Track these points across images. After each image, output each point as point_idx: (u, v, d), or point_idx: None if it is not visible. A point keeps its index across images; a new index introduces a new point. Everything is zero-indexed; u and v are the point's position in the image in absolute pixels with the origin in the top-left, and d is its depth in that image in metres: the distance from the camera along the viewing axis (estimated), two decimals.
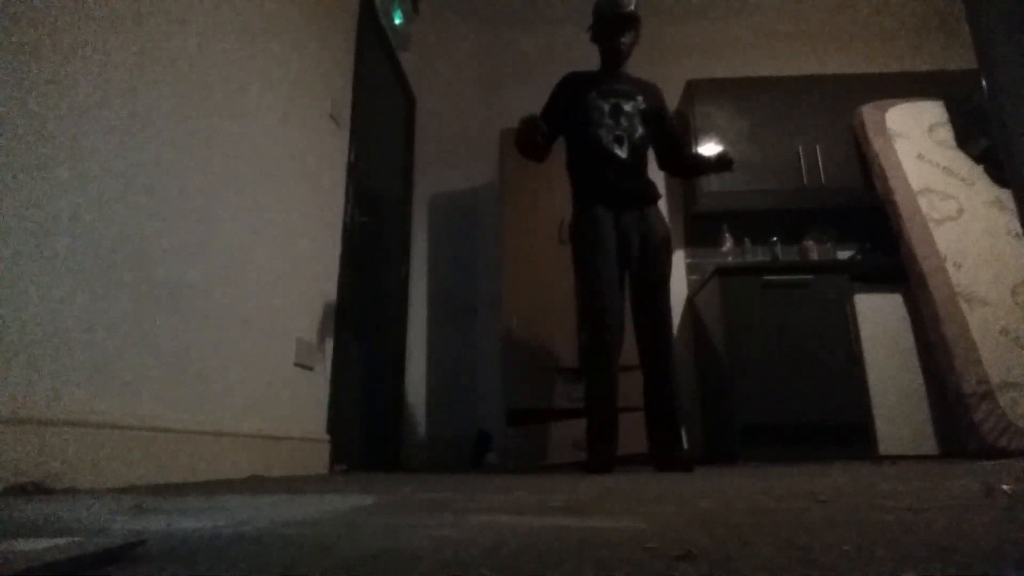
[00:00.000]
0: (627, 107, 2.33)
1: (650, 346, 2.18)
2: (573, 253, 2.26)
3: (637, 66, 4.07)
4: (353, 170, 2.72)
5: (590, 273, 2.18)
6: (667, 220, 3.80)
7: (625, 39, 2.35)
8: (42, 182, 1.10)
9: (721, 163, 2.30)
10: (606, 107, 2.32)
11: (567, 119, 2.35)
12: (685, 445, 3.35)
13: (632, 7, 2.32)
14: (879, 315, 3.10)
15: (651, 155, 2.48)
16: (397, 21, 3.43)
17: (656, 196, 2.35)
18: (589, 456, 2.08)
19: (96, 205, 1.23)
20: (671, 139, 2.45)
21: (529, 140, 2.12)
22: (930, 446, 2.92)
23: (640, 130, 2.33)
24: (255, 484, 1.41)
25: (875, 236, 3.62)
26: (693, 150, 2.44)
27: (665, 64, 4.12)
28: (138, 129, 1.37)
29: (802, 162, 3.53)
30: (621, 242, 2.24)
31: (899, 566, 0.40)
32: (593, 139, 2.29)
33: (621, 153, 2.27)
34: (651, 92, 2.44)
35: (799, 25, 4.20)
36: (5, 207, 1.03)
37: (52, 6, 1.14)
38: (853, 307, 3.05)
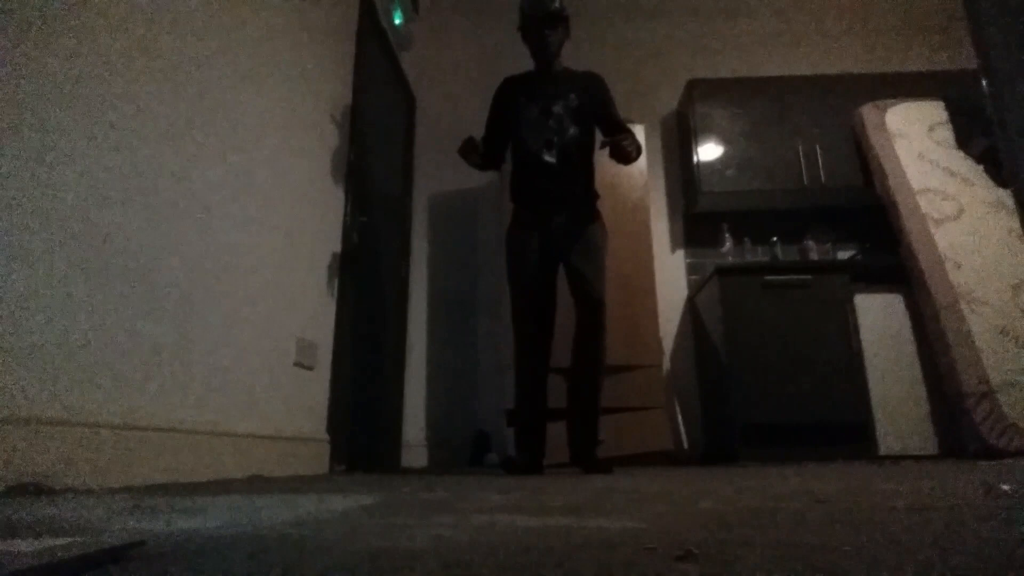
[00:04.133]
0: (557, 108, 2.27)
1: (581, 335, 2.16)
2: (506, 263, 2.28)
3: (638, 66, 4.10)
4: (353, 170, 2.72)
5: (514, 283, 2.22)
6: (666, 220, 3.85)
7: (552, 37, 2.29)
8: (43, 183, 1.10)
9: (613, 147, 2.13)
10: (535, 111, 2.28)
11: (506, 126, 2.34)
12: (686, 444, 3.37)
13: (556, 5, 2.27)
14: (879, 315, 3.10)
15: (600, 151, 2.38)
16: (397, 21, 3.42)
17: (591, 197, 2.31)
18: (516, 458, 2.13)
19: (97, 206, 1.23)
20: (612, 130, 2.29)
21: (469, 161, 2.19)
22: (930, 446, 2.92)
23: (572, 130, 2.26)
24: (255, 484, 1.41)
25: (875, 236, 3.61)
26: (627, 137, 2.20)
27: (665, 64, 4.13)
28: (139, 130, 1.37)
29: (802, 162, 3.53)
30: (550, 245, 2.22)
31: (899, 566, 0.40)
32: (522, 145, 2.27)
33: (550, 158, 2.23)
34: (588, 85, 2.34)
35: (799, 25, 4.20)
36: (6, 208, 1.03)
37: (56, 9, 1.14)
38: (853, 307, 3.05)
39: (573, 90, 2.30)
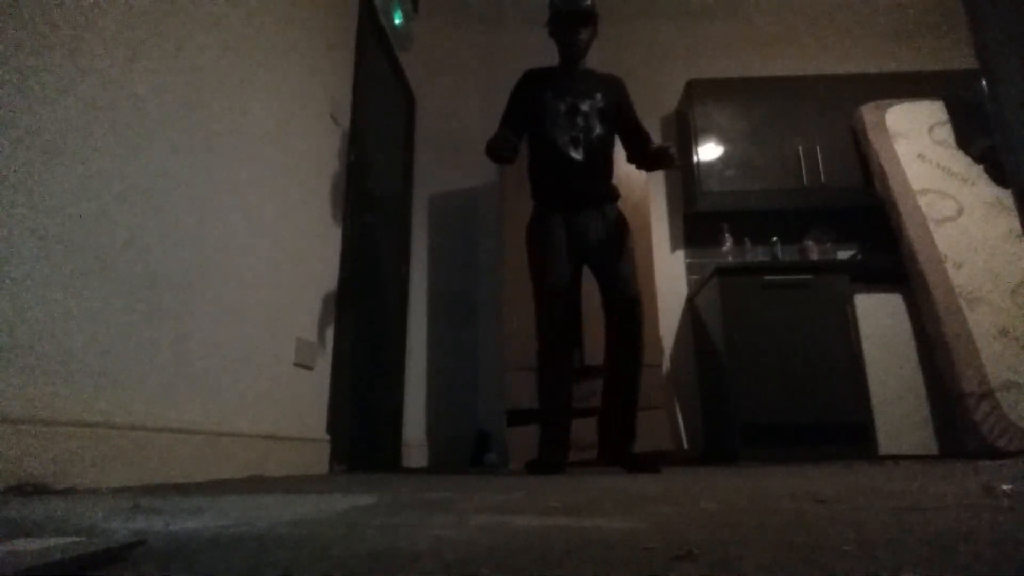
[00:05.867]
0: (584, 107, 2.28)
1: (620, 336, 2.14)
2: (528, 257, 2.26)
3: (638, 66, 4.10)
4: (353, 170, 2.72)
5: (540, 280, 2.19)
6: (666, 220, 3.85)
7: (582, 35, 2.30)
8: (43, 183, 1.10)
9: (661, 157, 2.21)
10: (562, 107, 2.27)
11: (527, 119, 2.32)
12: (686, 444, 3.37)
13: (588, 2, 2.28)
14: (879, 315, 3.10)
15: (620, 150, 2.41)
16: (397, 21, 3.43)
17: (614, 196, 2.31)
18: (538, 457, 2.11)
19: (97, 206, 1.23)
20: (633, 133, 2.37)
21: (503, 158, 2.13)
22: (930, 446, 2.92)
23: (598, 129, 2.28)
24: (255, 484, 1.41)
25: (875, 236, 3.62)
26: (653, 144, 2.31)
27: (665, 64, 4.13)
28: (139, 130, 1.37)
29: (802, 162, 3.53)
30: (576, 242, 2.21)
31: (899, 566, 0.40)
32: (549, 141, 2.26)
33: (576, 155, 2.24)
34: (612, 87, 2.36)
35: (799, 25, 4.20)
36: (6, 208, 1.03)
37: (56, 9, 1.14)
38: (853, 307, 3.05)
39: (599, 90, 2.32)
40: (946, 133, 3.37)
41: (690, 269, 3.77)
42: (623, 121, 2.36)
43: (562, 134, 2.26)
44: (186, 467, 1.44)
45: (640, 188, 3.27)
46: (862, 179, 3.48)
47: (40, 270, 1.09)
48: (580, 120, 2.27)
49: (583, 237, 2.22)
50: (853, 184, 3.50)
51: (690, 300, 3.70)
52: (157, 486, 1.25)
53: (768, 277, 3.09)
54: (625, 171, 3.06)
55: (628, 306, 2.14)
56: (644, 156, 2.32)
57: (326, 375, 2.39)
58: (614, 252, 2.20)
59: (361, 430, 2.76)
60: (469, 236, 3.85)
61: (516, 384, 2.92)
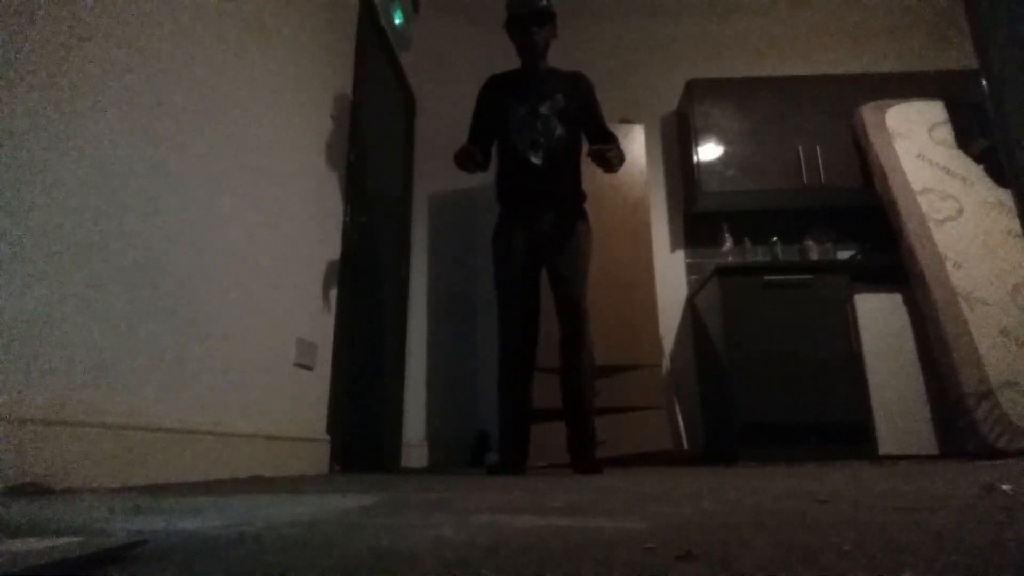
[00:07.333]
0: (543, 109, 2.26)
1: (564, 339, 2.17)
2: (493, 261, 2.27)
3: (638, 66, 4.10)
4: (353, 170, 2.72)
5: (500, 284, 2.22)
6: (666, 220, 3.85)
7: (538, 36, 2.27)
8: (44, 183, 1.10)
9: (600, 160, 2.11)
10: (522, 111, 2.26)
11: (492, 125, 2.32)
12: (686, 444, 3.37)
13: (543, 2, 2.25)
14: (879, 315, 3.10)
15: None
16: (397, 21, 3.42)
17: (577, 198, 2.30)
18: (499, 459, 2.14)
19: (97, 206, 1.23)
20: (596, 133, 2.31)
21: (467, 168, 2.14)
22: (930, 446, 2.92)
23: (559, 131, 2.25)
24: (255, 484, 1.41)
25: (875, 236, 3.62)
26: (614, 144, 2.19)
27: (665, 64, 4.13)
28: (139, 130, 1.37)
29: (802, 162, 3.53)
30: (535, 245, 2.22)
31: (899, 566, 0.40)
32: (509, 146, 2.26)
33: (536, 160, 2.22)
34: (574, 85, 2.32)
35: (799, 25, 4.20)
36: (6, 207, 1.03)
37: (55, 7, 1.14)
38: (853, 307, 3.05)
39: (560, 90, 2.29)
40: (946, 133, 3.37)
41: (690, 269, 3.77)
42: (586, 121, 2.32)
43: (522, 138, 2.25)
44: (186, 467, 1.44)
45: (640, 188, 3.27)
46: (862, 179, 3.48)
47: (41, 270, 1.09)
48: (539, 123, 2.25)
49: (541, 241, 2.22)
50: (853, 184, 3.51)
51: (690, 300, 3.70)
52: (157, 486, 1.25)
53: (768, 277, 3.09)
54: (626, 171, 3.06)
55: (570, 312, 2.15)
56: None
57: (326, 375, 2.39)
58: (564, 255, 2.19)
59: (361, 430, 2.76)
60: (469, 236, 3.85)
61: None
